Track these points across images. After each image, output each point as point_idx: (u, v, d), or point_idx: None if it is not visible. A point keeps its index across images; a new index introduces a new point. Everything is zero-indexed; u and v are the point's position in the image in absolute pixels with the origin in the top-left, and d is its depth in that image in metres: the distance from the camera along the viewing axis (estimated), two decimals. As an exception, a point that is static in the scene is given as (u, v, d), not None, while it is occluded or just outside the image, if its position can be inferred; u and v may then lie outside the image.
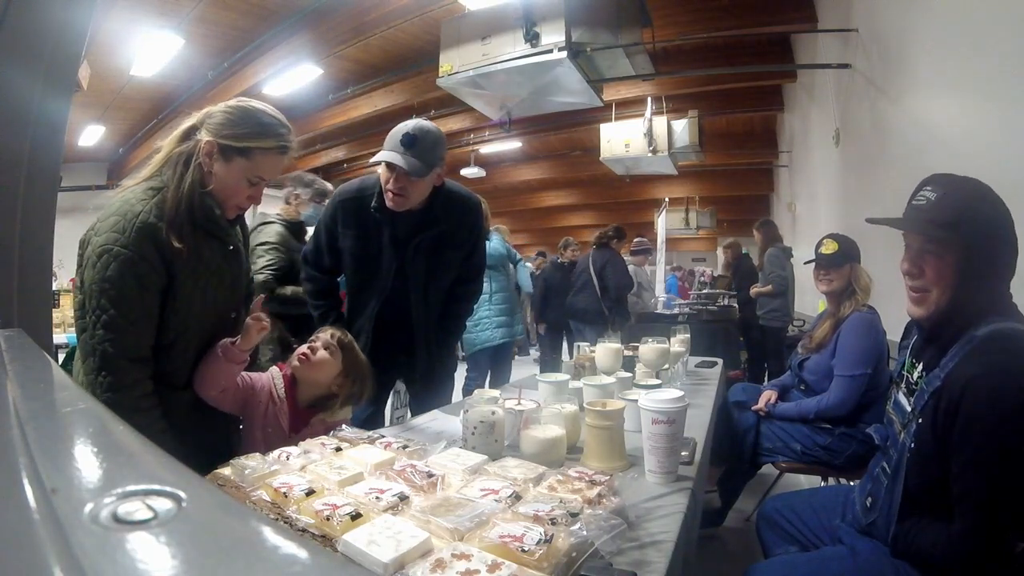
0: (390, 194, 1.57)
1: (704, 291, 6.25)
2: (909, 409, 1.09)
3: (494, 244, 3.40)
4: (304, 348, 1.38)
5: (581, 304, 4.37)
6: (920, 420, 1.03)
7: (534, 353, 7.08)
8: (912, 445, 1.04)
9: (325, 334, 1.41)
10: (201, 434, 1.25)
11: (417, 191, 1.58)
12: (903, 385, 1.16)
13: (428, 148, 1.54)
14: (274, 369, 1.39)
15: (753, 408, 2.18)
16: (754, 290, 4.47)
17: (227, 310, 1.29)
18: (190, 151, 1.16)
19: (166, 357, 1.17)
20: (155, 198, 1.12)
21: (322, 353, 1.37)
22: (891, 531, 1.07)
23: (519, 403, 1.25)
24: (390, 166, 1.53)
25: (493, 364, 3.45)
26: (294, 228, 2.45)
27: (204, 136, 1.15)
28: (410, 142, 1.51)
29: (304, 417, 1.36)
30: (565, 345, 5.20)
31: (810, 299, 4.30)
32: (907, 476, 1.05)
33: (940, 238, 1.02)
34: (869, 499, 1.19)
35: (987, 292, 1.02)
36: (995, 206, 1.02)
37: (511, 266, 3.69)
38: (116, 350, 1.08)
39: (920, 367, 1.11)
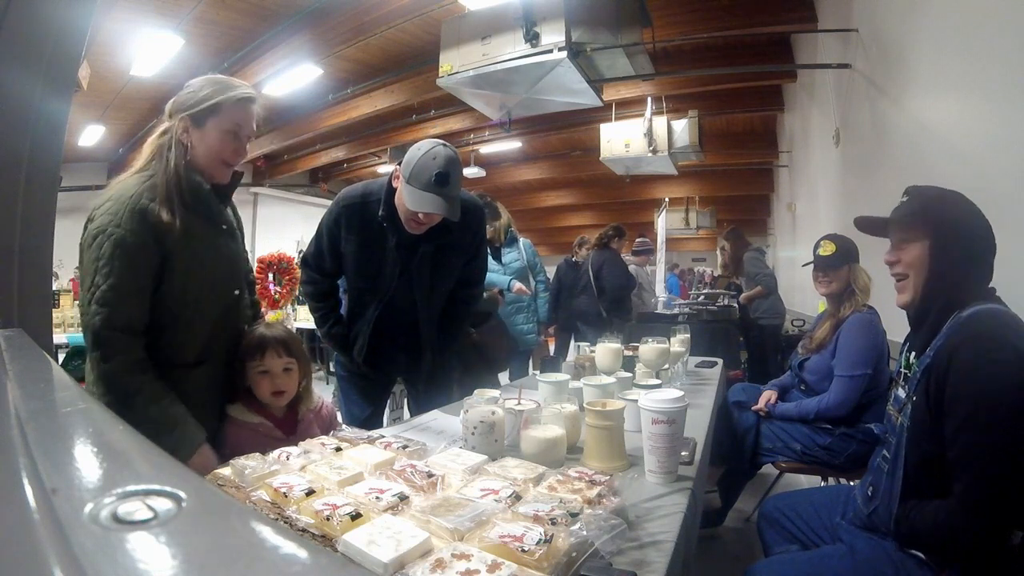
0: (413, 224, 1.56)
1: (704, 291, 6.25)
2: (904, 395, 1.12)
3: (513, 255, 3.25)
4: (272, 387, 1.31)
5: (582, 306, 4.41)
6: (915, 399, 1.07)
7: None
8: (908, 424, 1.07)
9: (271, 360, 1.31)
10: (218, 407, 1.31)
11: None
12: (901, 381, 1.18)
13: (458, 177, 1.52)
14: (229, 407, 1.33)
15: (753, 408, 2.18)
16: (744, 296, 4.53)
17: (229, 287, 1.33)
18: (169, 137, 1.23)
19: (171, 334, 1.22)
20: (147, 182, 1.20)
21: (286, 376, 1.33)
22: (893, 515, 1.09)
23: (519, 403, 1.25)
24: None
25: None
26: None
27: (176, 119, 1.23)
28: (443, 181, 1.47)
29: (291, 419, 1.36)
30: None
31: (810, 299, 4.30)
32: (906, 456, 1.07)
33: (911, 224, 1.13)
34: (870, 488, 1.21)
35: (962, 276, 1.09)
36: (962, 203, 1.12)
37: (530, 277, 3.44)
38: (105, 322, 1.12)
39: (913, 356, 1.15)
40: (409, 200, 1.50)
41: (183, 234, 1.19)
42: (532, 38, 3.25)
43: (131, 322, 1.15)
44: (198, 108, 1.21)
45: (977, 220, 1.10)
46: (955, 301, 1.07)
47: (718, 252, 6.29)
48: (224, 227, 1.33)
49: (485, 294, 2.99)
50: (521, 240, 3.40)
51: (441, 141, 1.54)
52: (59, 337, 3.32)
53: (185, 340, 1.24)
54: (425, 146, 1.52)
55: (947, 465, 0.99)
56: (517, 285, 3.14)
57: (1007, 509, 0.94)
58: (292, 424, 1.35)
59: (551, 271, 4.89)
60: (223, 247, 1.31)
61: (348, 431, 1.13)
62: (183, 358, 1.24)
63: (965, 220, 1.10)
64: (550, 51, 3.24)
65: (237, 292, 1.35)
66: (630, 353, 1.89)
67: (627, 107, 6.34)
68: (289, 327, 1.42)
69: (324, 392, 1.51)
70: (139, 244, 1.14)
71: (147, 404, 1.14)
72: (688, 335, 2.10)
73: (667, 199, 8.63)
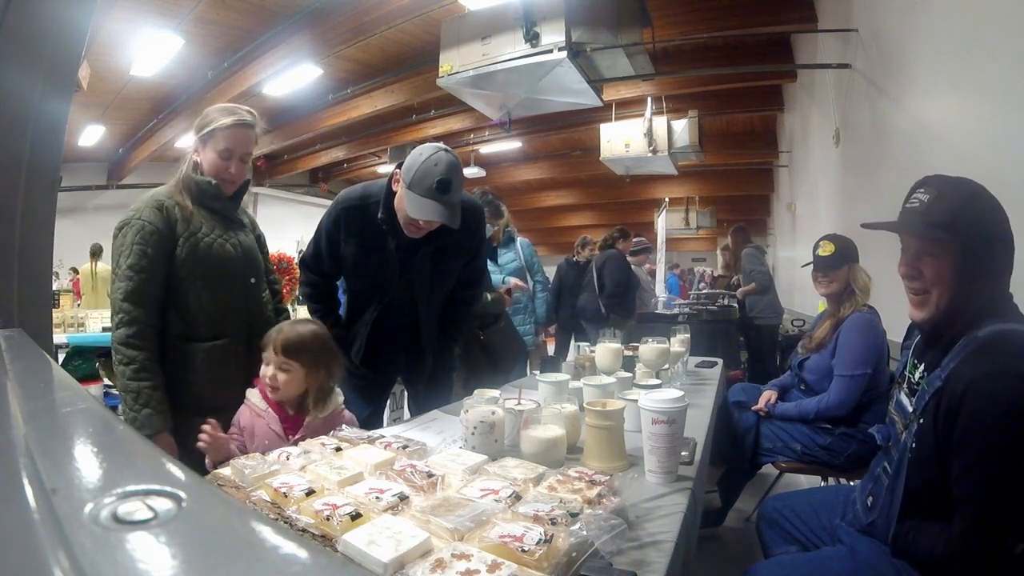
0: (412, 228, 1.55)
1: (704, 291, 6.26)
2: (911, 409, 1.08)
3: (510, 255, 3.20)
4: (265, 380, 1.33)
5: (582, 303, 4.47)
6: (921, 420, 1.02)
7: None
8: (913, 445, 1.04)
9: (269, 352, 1.33)
10: (240, 384, 1.41)
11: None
12: (905, 385, 1.15)
13: (460, 184, 1.52)
14: (249, 391, 1.36)
15: (753, 408, 2.18)
16: (740, 290, 4.58)
17: (244, 274, 1.50)
18: (187, 155, 1.48)
19: (185, 309, 1.40)
20: (168, 187, 1.45)
21: (281, 376, 1.33)
22: (891, 531, 1.07)
23: (519, 403, 1.25)
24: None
25: None
26: None
27: (193, 141, 1.47)
28: (445, 188, 1.47)
29: (297, 421, 1.35)
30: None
31: (810, 299, 4.31)
32: (908, 476, 1.05)
33: (937, 238, 1.02)
34: (870, 499, 1.19)
35: (986, 292, 1.01)
36: (990, 205, 1.02)
37: (527, 277, 3.38)
38: (123, 294, 1.33)
39: (922, 368, 1.11)
40: (410, 207, 1.49)
41: (196, 220, 1.40)
42: (532, 38, 3.25)
43: (145, 295, 1.34)
44: (203, 132, 1.44)
45: (1002, 220, 1.00)
46: (976, 319, 1.00)
47: (719, 252, 6.29)
48: (235, 222, 1.53)
49: (489, 296, 2.99)
50: (519, 240, 3.36)
51: (443, 146, 1.53)
52: (59, 337, 3.32)
53: (199, 317, 1.41)
54: (427, 151, 1.50)
55: (949, 490, 0.96)
56: (513, 280, 3.08)
57: (1009, 538, 0.91)
58: (296, 426, 1.35)
59: (551, 271, 4.90)
60: (234, 235, 1.49)
61: (348, 431, 1.13)
62: (197, 333, 1.41)
63: (995, 229, 1.00)
64: (550, 51, 3.24)
65: (254, 280, 1.53)
66: (630, 353, 1.89)
67: (627, 107, 6.34)
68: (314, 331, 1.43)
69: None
70: (153, 230, 1.35)
71: (133, 377, 1.30)
72: (688, 335, 2.10)
73: (667, 199, 8.64)
